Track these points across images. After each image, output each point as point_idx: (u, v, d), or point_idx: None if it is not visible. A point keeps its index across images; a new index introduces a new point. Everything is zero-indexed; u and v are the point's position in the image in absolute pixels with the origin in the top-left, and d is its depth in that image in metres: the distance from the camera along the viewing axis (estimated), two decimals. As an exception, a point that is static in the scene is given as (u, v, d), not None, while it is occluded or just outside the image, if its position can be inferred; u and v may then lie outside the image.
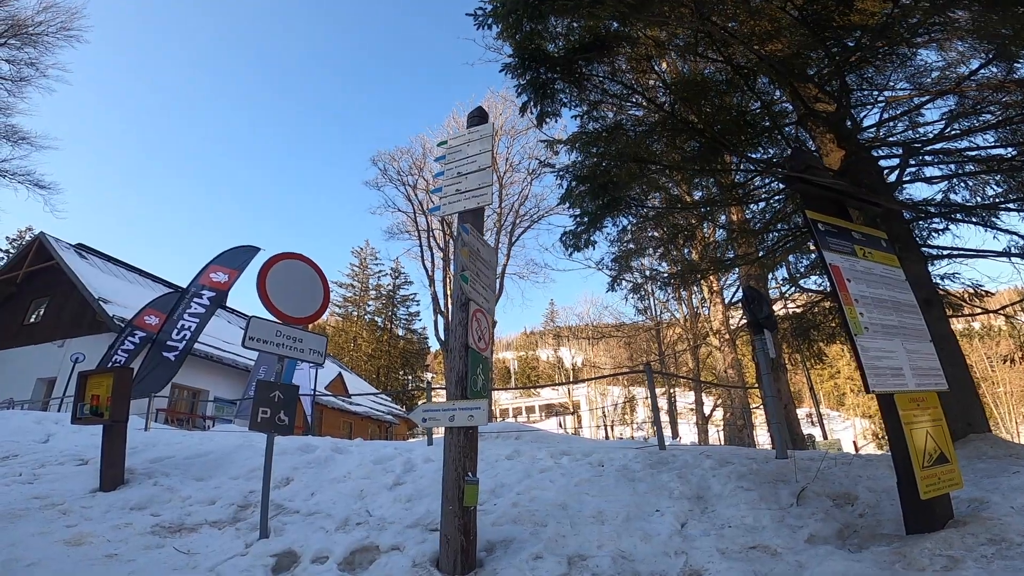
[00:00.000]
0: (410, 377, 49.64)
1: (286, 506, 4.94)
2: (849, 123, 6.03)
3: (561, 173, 6.47)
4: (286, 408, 4.62)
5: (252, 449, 6.79)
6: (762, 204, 8.75)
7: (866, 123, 7.11)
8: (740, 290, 11.55)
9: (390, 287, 51.10)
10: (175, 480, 5.74)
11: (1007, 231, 6.92)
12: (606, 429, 45.94)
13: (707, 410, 26.21)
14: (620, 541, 3.65)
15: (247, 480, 5.72)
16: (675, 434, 30.34)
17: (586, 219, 6.53)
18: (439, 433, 6.17)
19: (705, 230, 9.15)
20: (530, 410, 57.44)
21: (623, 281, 8.51)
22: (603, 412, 48.66)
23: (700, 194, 8.04)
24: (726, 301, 16.58)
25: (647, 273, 10.02)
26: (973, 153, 6.71)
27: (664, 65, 7.45)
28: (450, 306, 28.90)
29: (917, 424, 3.55)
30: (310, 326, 5.20)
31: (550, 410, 55.16)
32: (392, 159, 29.19)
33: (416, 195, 28.95)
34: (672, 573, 3.21)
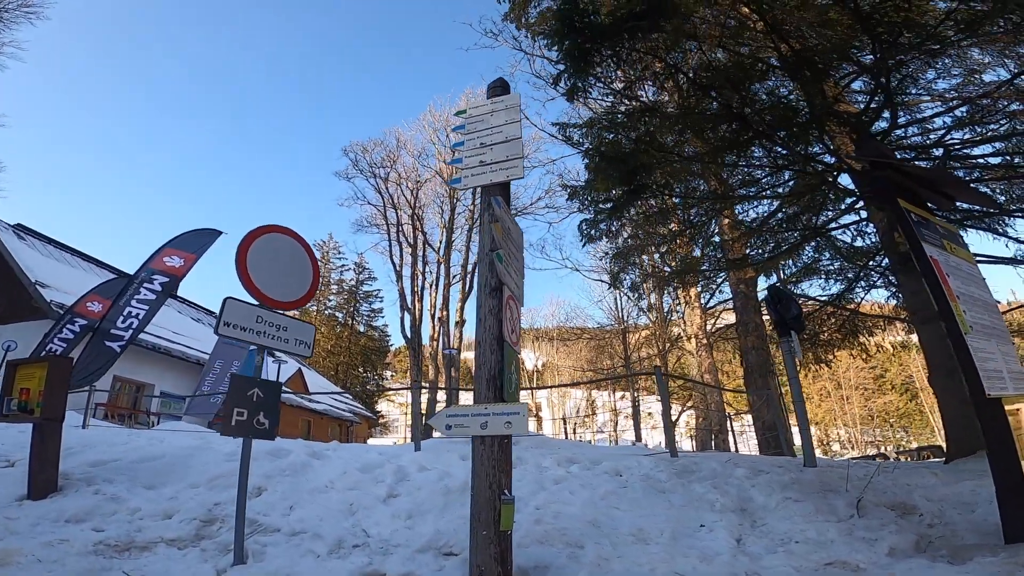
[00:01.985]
0: (370, 375, 48.17)
1: (262, 522, 4.17)
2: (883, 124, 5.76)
3: (589, 152, 5.93)
4: (267, 410, 3.86)
5: (212, 452, 5.92)
6: (765, 205, 8.50)
7: (881, 127, 6.88)
8: (732, 291, 11.32)
9: (353, 282, 49.47)
10: (121, 488, 4.84)
11: (1016, 239, 6.84)
12: (566, 432, 45.80)
13: (674, 415, 26.20)
14: (674, 563, 3.14)
15: (209, 490, 4.89)
16: (638, 438, 30.35)
17: (610, 205, 6.02)
18: (436, 433, 5.51)
19: (712, 228, 8.83)
20: (493, 411, 56.46)
21: (624, 278, 8.07)
22: (564, 415, 48.58)
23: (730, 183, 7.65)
24: (704, 306, 16.48)
25: (648, 270, 9.65)
26: (982, 161, 6.60)
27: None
28: (427, 301, 28.03)
29: (1020, 430, 3.25)
30: (294, 312, 4.46)
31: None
32: (364, 150, 28.13)
33: (387, 188, 28.00)
34: (754, 603, 2.72)
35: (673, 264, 9.87)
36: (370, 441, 28.74)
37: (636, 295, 10.52)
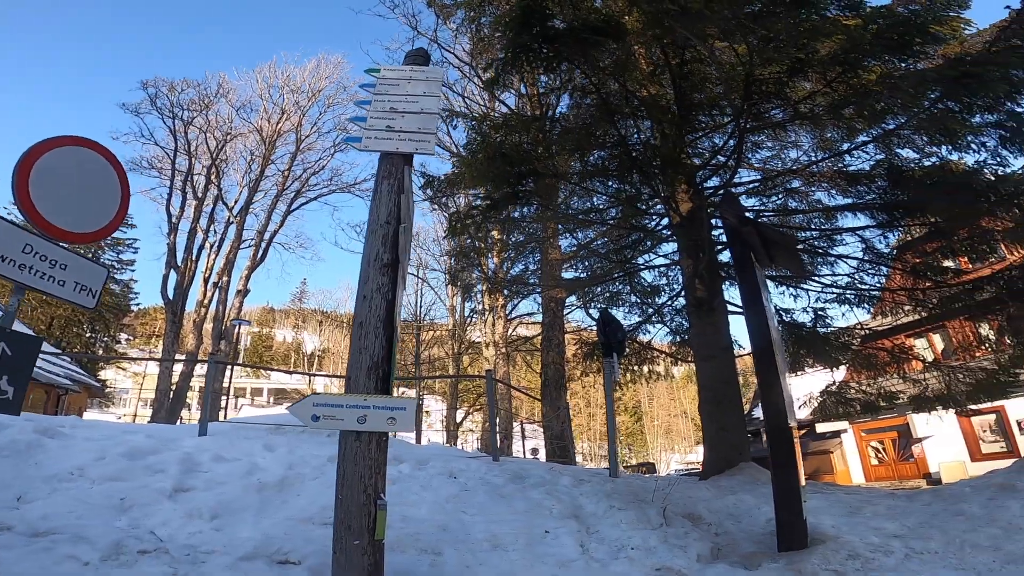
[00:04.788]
0: (99, 336, 39.10)
1: (-23, 522, 2.92)
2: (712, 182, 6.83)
3: (475, 143, 5.71)
4: (13, 374, 2.69)
5: None
6: (593, 231, 9.35)
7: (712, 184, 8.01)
8: (542, 308, 12.14)
9: (98, 221, 39.65)
10: None
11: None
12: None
13: (458, 417, 27.02)
14: (536, 570, 3.13)
15: None
16: (418, 440, 30.41)
17: (489, 202, 5.87)
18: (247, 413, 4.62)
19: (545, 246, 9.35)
20: (257, 392, 50.78)
21: (463, 277, 7.99)
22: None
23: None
24: (508, 314, 17.40)
25: (484, 274, 9.73)
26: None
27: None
28: (203, 263, 23.98)
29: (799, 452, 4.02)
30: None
31: (281, 395, 49.71)
32: (172, 88, 23.30)
33: (186, 132, 23.59)
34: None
35: (500, 274, 10.20)
36: (86, 415, 23.17)
37: (469, 295, 10.53)
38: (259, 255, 24.55)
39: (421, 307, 28.81)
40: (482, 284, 10.17)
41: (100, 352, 38.14)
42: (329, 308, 44.89)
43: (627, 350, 7.52)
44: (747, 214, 5.01)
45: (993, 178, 5.34)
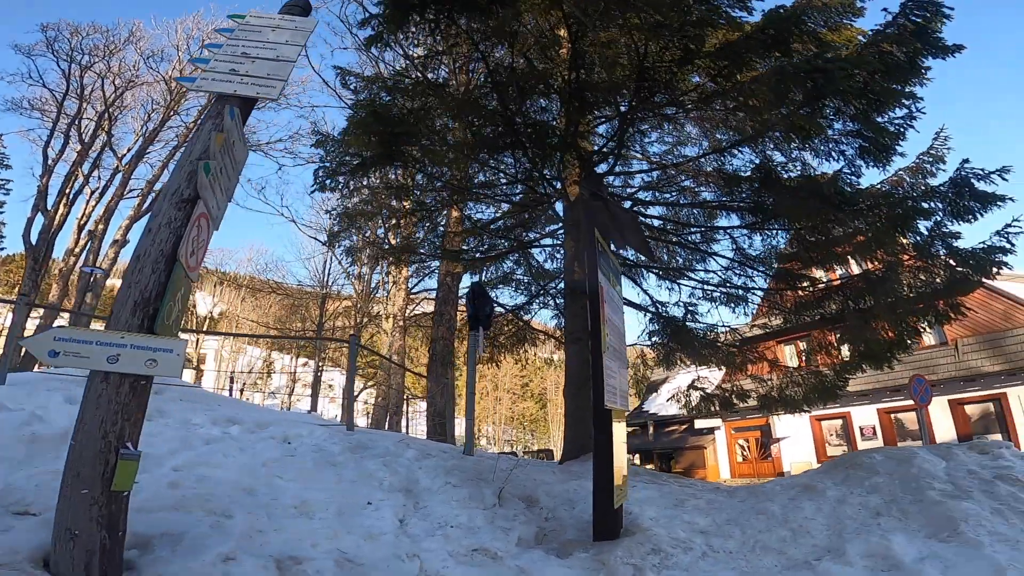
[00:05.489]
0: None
1: None
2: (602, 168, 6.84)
3: (361, 104, 5.31)
4: None
5: None
6: (492, 210, 9.21)
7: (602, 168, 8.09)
8: (438, 282, 11.86)
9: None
10: None
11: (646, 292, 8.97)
12: (231, 390, 40.94)
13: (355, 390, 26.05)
14: (339, 540, 2.90)
15: None
16: (313, 407, 29.16)
17: (358, 161, 5.48)
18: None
19: (440, 217, 9.03)
20: (133, 354, 46.18)
21: (343, 239, 7.54)
22: (233, 373, 43.52)
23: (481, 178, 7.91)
24: (410, 290, 16.98)
25: (370, 239, 9.24)
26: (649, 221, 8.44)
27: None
28: (79, 209, 21.53)
29: (620, 439, 4.03)
30: None
31: (165, 359, 45.54)
32: (76, 32, 20.62)
33: (82, 77, 21.27)
34: (409, 580, 2.69)
35: (394, 241, 9.81)
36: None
37: (350, 260, 10.02)
38: (142, 206, 22.36)
39: (329, 275, 27.63)
40: (368, 251, 9.74)
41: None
42: (228, 268, 41.70)
43: (493, 325, 7.41)
44: (614, 196, 5.04)
45: (851, 190, 5.73)
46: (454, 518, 3.61)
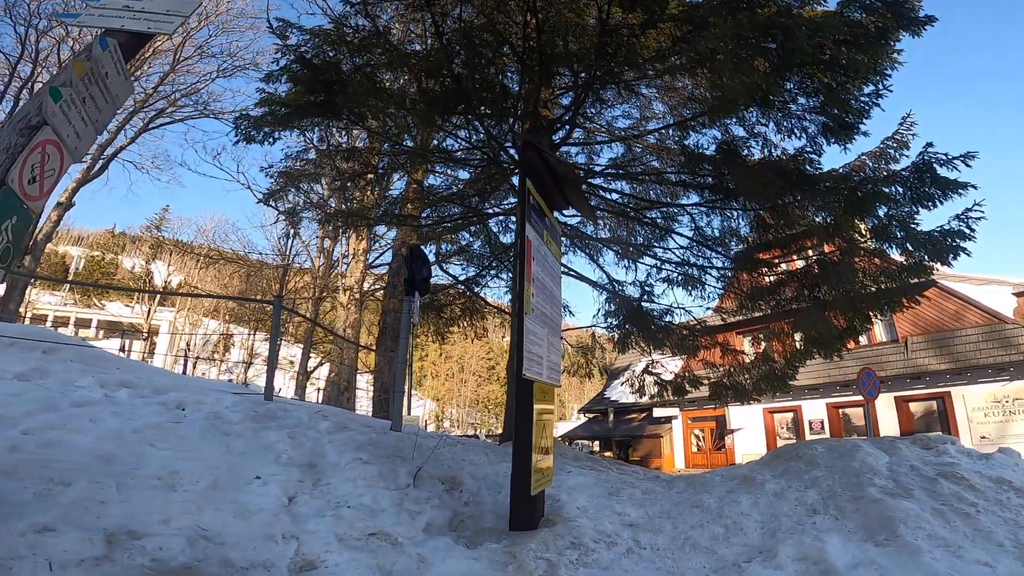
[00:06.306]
0: None
1: None
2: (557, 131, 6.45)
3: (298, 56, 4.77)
4: None
5: None
6: (449, 180, 8.74)
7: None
8: (392, 252, 11.36)
9: None
10: None
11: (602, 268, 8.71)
12: (185, 364, 39.56)
13: (311, 366, 25.37)
14: (201, 515, 2.49)
15: None
16: (269, 386, 28.32)
17: (286, 110, 4.96)
18: None
19: (393, 180, 8.54)
20: (84, 323, 44.17)
21: (283, 199, 6.99)
22: (188, 345, 42.09)
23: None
24: (369, 262, 16.41)
25: (313, 200, 8.67)
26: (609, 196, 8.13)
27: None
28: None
29: (544, 417, 3.67)
30: None
31: (115, 330, 43.68)
32: None
33: (38, 42, 20.22)
34: (280, 564, 2.32)
35: (343, 207, 9.27)
36: None
37: (291, 220, 9.42)
38: (94, 169, 21.11)
39: (292, 248, 26.70)
40: (310, 212, 9.18)
41: None
42: (185, 238, 40.01)
43: (430, 290, 6.97)
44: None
45: (812, 170, 5.49)
46: (355, 498, 3.22)
